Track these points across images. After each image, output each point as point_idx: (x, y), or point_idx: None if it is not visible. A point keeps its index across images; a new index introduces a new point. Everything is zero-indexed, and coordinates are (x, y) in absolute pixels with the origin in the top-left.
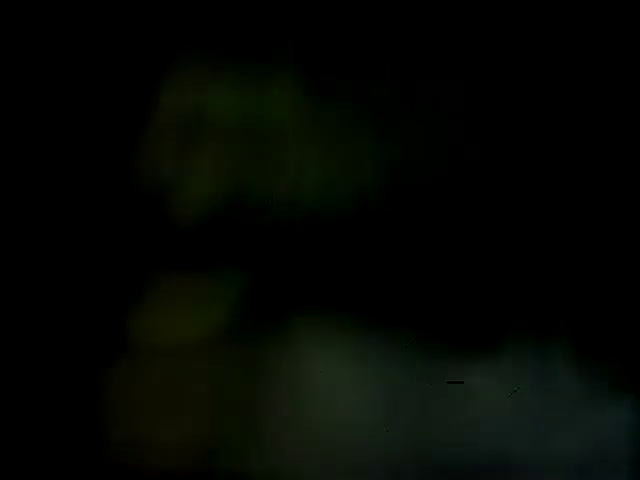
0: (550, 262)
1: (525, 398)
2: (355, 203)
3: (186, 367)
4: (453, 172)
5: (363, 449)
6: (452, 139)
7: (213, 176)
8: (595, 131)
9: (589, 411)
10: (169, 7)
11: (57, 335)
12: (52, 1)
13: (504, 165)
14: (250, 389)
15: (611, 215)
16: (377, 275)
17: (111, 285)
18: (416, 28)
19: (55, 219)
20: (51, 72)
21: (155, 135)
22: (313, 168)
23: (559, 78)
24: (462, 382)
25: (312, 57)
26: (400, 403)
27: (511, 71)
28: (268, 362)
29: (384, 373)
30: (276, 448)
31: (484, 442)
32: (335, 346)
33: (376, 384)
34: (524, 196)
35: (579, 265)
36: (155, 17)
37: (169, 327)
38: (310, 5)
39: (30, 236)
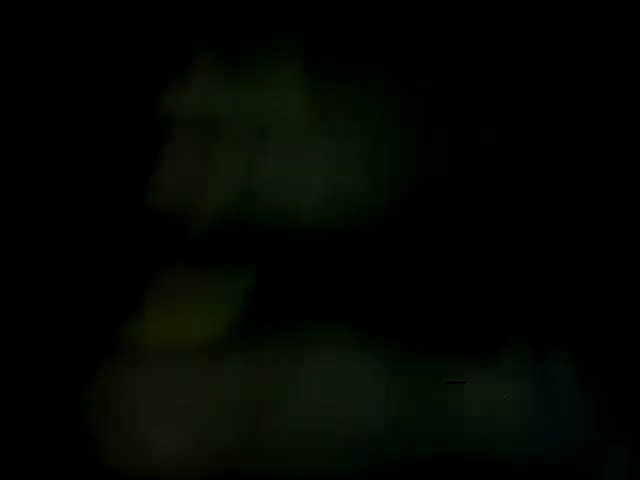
0: (551, 271)
1: (524, 405)
2: (360, 208)
3: (188, 369)
4: (456, 180)
5: (363, 450)
6: (469, 143)
7: (216, 177)
8: (600, 141)
9: (587, 420)
10: (167, 4)
11: (60, 337)
12: (55, 10)
13: (505, 174)
14: (253, 391)
15: (614, 222)
16: (377, 282)
17: (112, 286)
18: (437, 15)
19: (57, 219)
20: (53, 78)
21: (156, 136)
22: (319, 171)
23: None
24: (463, 382)
25: (320, 51)
26: (400, 409)
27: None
28: (270, 365)
29: (384, 378)
30: (280, 450)
31: (481, 448)
32: (336, 351)
33: (375, 389)
34: (526, 201)
35: (580, 273)
36: (154, 16)
37: (171, 329)
38: None
39: (32, 236)
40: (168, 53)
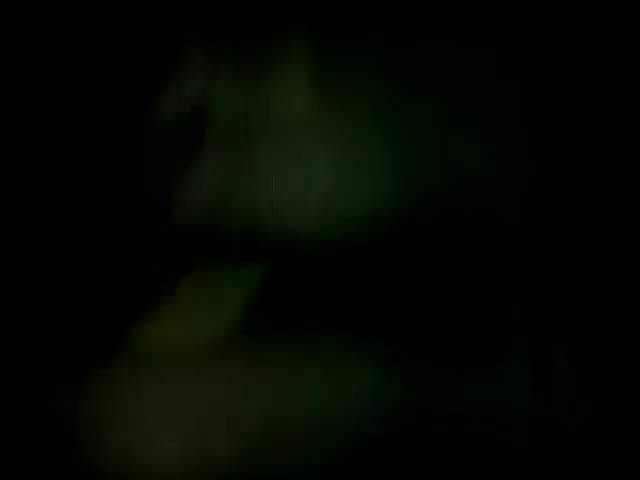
0: (551, 277)
1: (523, 411)
2: (363, 212)
3: (190, 372)
4: (458, 184)
5: (362, 453)
6: (473, 144)
7: (218, 177)
8: (601, 144)
9: (586, 424)
10: None
11: (63, 339)
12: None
13: (505, 181)
14: (255, 395)
15: (615, 226)
16: (378, 286)
17: (116, 289)
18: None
19: (60, 221)
20: (50, 75)
21: (158, 134)
22: (323, 172)
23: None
24: (462, 382)
25: (326, 47)
26: (399, 414)
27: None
28: (270, 369)
29: (384, 383)
30: (281, 451)
31: (479, 453)
32: (336, 357)
33: (375, 393)
34: (525, 208)
35: (580, 279)
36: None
37: (174, 331)
38: None
39: (35, 238)
40: (166, 50)
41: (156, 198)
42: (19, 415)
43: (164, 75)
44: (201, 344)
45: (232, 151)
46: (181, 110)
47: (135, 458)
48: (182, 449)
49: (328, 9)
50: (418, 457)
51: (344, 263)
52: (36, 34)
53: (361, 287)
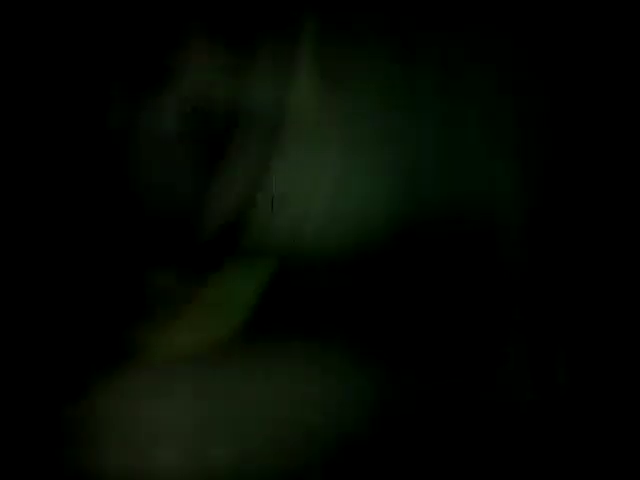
0: (551, 277)
1: (523, 410)
2: (366, 214)
3: (189, 378)
4: (463, 182)
5: (362, 455)
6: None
7: (221, 176)
8: (602, 148)
9: (586, 424)
10: None
11: (65, 344)
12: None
13: (503, 186)
14: (253, 398)
15: (614, 227)
16: (377, 289)
17: (118, 292)
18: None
19: (61, 222)
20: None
21: (159, 133)
22: (328, 173)
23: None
24: (462, 382)
25: (330, 46)
26: (397, 417)
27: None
28: (269, 374)
29: (383, 385)
30: (287, 458)
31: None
32: (336, 358)
33: (374, 398)
34: (527, 208)
35: (580, 280)
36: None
37: (175, 336)
38: None
39: (35, 240)
40: (168, 49)
41: (161, 202)
42: (22, 418)
43: (167, 75)
44: (204, 347)
45: (235, 152)
46: (183, 111)
47: (137, 460)
48: (184, 452)
49: (332, 6)
50: (418, 457)
51: (348, 265)
52: (37, 35)
53: (364, 289)
